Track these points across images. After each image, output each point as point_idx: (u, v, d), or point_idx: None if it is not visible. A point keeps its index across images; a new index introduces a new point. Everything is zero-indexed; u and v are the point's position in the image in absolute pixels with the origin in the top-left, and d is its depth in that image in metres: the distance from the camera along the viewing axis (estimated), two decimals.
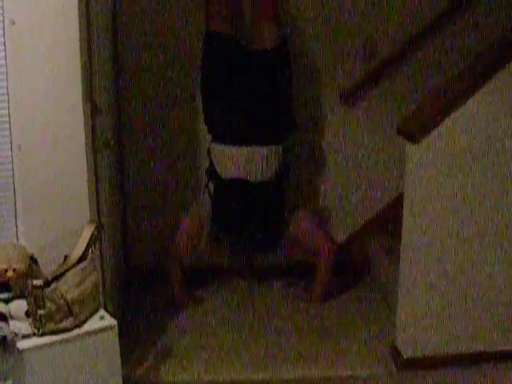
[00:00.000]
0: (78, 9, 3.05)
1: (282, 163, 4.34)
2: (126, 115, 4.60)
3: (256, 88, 4.24)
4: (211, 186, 4.40)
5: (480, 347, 3.76)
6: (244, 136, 4.23)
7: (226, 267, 4.88)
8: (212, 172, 4.37)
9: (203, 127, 4.42)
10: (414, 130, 3.48)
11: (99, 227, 3.38)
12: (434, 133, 3.43)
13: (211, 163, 4.37)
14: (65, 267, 2.97)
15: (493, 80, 3.40)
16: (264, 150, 4.22)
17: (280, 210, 4.40)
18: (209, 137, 4.41)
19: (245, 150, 4.21)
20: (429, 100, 3.70)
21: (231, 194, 4.30)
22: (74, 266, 2.99)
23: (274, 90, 4.26)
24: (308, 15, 4.58)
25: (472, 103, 3.41)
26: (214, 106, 4.31)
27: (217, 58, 4.25)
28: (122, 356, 3.03)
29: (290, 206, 4.52)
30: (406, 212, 3.64)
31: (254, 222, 4.33)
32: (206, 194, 4.45)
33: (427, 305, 3.67)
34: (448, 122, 3.42)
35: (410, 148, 3.53)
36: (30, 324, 2.84)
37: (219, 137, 4.31)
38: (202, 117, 4.42)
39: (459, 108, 3.41)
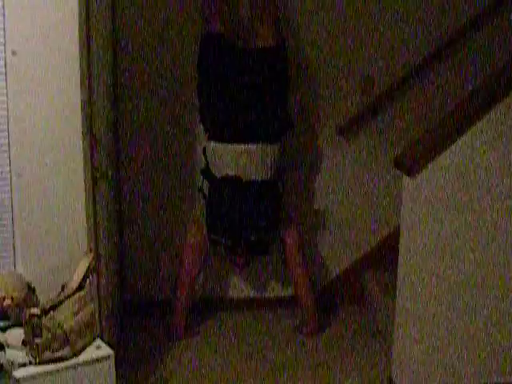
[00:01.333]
0: (79, 40, 3.08)
1: (279, 164, 4.33)
2: (123, 145, 4.61)
3: (252, 86, 4.24)
4: (205, 187, 4.40)
5: (479, 380, 3.75)
6: (239, 133, 4.22)
7: (223, 298, 4.89)
8: (206, 172, 4.37)
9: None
10: (411, 163, 3.49)
11: (97, 257, 3.38)
12: (431, 166, 3.45)
13: (207, 164, 4.37)
14: (62, 296, 2.97)
15: (490, 114, 3.43)
16: (260, 148, 4.20)
17: (275, 212, 4.36)
18: (205, 136, 4.40)
19: (240, 147, 4.19)
20: (426, 134, 3.72)
21: (225, 193, 4.27)
22: (71, 295, 2.99)
23: (270, 89, 4.26)
24: (307, 50, 4.62)
25: (469, 137, 3.43)
26: (210, 104, 4.30)
27: (214, 58, 4.25)
28: None
29: (286, 222, 4.52)
30: (402, 246, 3.65)
31: (248, 223, 4.30)
32: (201, 197, 4.46)
33: (423, 339, 3.66)
34: (445, 155, 3.44)
35: (406, 181, 3.55)
36: (26, 353, 2.83)
37: (215, 135, 4.29)
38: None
39: (456, 142, 3.43)
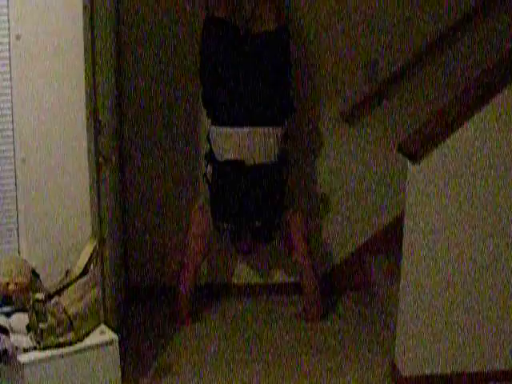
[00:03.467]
0: (83, 23, 3.07)
1: (282, 148, 4.32)
2: (128, 132, 4.61)
3: (255, 70, 4.23)
4: (209, 172, 4.40)
5: (480, 366, 3.75)
6: (242, 117, 4.20)
7: (226, 283, 4.90)
8: (210, 156, 4.36)
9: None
10: (416, 149, 3.48)
11: (101, 242, 3.39)
12: (436, 152, 3.44)
13: (210, 148, 4.37)
14: (66, 281, 2.98)
15: (495, 99, 3.42)
16: (263, 131, 4.19)
17: (280, 197, 4.36)
18: (208, 121, 4.40)
19: (243, 130, 4.18)
20: (430, 120, 3.71)
21: (229, 177, 4.27)
22: (75, 280, 3.00)
23: (273, 72, 4.24)
24: (311, 36, 4.61)
25: (474, 123, 3.43)
26: (213, 88, 4.28)
27: (216, 42, 4.24)
28: (121, 371, 3.03)
29: (290, 209, 4.51)
30: (405, 231, 3.65)
31: (252, 209, 4.29)
32: (204, 182, 4.46)
33: (427, 323, 3.67)
34: (449, 141, 3.43)
35: (411, 167, 3.54)
36: (30, 338, 2.85)
37: (218, 119, 4.27)
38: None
39: (461, 127, 3.42)
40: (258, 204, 4.28)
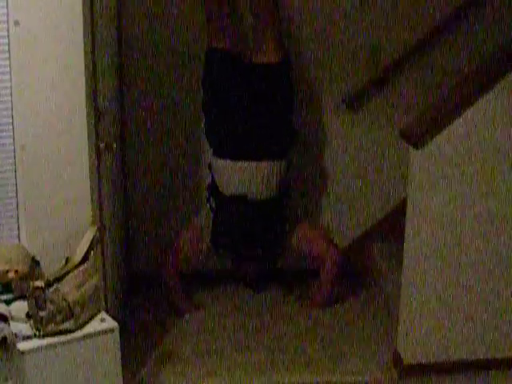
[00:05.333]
0: (83, 9, 3.05)
1: (284, 180, 4.32)
2: (129, 119, 4.59)
3: (257, 102, 4.22)
4: (212, 202, 4.39)
5: (483, 354, 3.75)
6: (245, 151, 4.20)
7: (226, 272, 4.89)
8: (213, 188, 4.36)
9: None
10: (418, 135, 3.46)
11: (101, 229, 3.38)
12: (438, 138, 3.42)
13: (212, 178, 4.36)
14: (66, 269, 2.96)
15: (498, 85, 3.40)
16: (266, 165, 4.18)
17: (281, 226, 4.37)
18: (210, 151, 4.39)
19: (246, 164, 4.18)
20: (433, 106, 3.69)
21: (232, 210, 4.27)
22: (75, 267, 2.98)
23: (276, 105, 4.25)
24: (312, 22, 4.58)
25: (476, 109, 3.41)
26: (215, 120, 4.30)
27: (218, 74, 4.24)
28: (122, 359, 3.02)
29: (292, 216, 4.51)
30: (408, 218, 3.63)
31: (254, 239, 4.32)
32: (208, 210, 4.43)
33: (430, 311, 3.66)
34: (452, 128, 3.41)
35: (413, 153, 3.52)
36: (30, 325, 2.83)
37: (220, 151, 4.28)
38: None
39: (463, 113, 3.40)
40: (260, 235, 4.32)
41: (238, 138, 4.22)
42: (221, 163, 4.25)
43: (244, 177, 4.18)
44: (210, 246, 4.40)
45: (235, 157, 4.20)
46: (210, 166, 4.39)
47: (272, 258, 4.51)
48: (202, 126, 4.42)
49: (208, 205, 4.43)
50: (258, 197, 4.22)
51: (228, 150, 4.24)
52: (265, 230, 4.32)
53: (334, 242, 4.70)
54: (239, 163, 4.18)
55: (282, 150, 4.29)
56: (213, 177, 4.37)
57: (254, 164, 4.17)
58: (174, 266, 4.43)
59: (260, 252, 4.38)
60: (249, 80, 4.26)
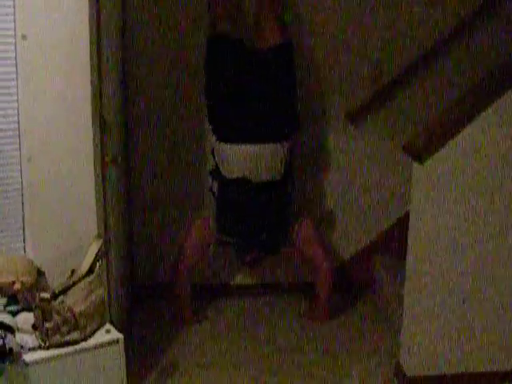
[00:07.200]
0: (89, 24, 3.08)
1: (287, 163, 4.30)
2: (133, 131, 4.61)
3: (260, 86, 4.22)
4: (215, 188, 4.38)
5: (485, 367, 3.75)
6: (248, 134, 4.19)
7: (231, 284, 4.90)
8: (216, 173, 4.35)
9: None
10: (421, 149, 3.48)
11: (106, 242, 3.39)
12: (441, 152, 3.44)
13: (216, 164, 4.36)
14: (72, 281, 2.98)
15: (501, 100, 3.42)
16: (269, 148, 4.18)
17: (285, 211, 4.36)
18: (213, 137, 4.38)
19: (249, 147, 4.16)
20: (436, 120, 3.71)
21: (235, 194, 4.26)
22: (81, 279, 3.00)
23: (279, 87, 4.24)
24: (316, 36, 4.61)
25: (479, 123, 3.42)
26: (218, 105, 4.28)
27: (221, 59, 4.23)
28: (127, 370, 3.04)
29: (296, 210, 4.52)
30: (411, 231, 3.65)
31: (258, 224, 4.29)
32: (211, 197, 4.43)
33: (432, 323, 3.67)
34: (454, 142, 3.43)
35: (416, 167, 3.54)
36: (36, 337, 2.84)
37: (224, 136, 4.26)
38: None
39: (467, 128, 3.42)
40: (263, 219, 4.30)
41: (242, 120, 4.21)
42: (225, 147, 4.22)
43: (248, 159, 4.17)
44: (217, 238, 4.41)
45: (239, 140, 4.19)
46: (212, 152, 4.39)
47: (275, 244, 4.48)
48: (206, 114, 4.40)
49: (210, 193, 4.44)
50: (264, 178, 4.21)
51: (232, 133, 4.23)
52: (269, 213, 4.30)
53: (336, 253, 4.72)
54: (243, 146, 4.17)
55: (285, 134, 4.29)
56: (216, 163, 4.36)
57: (257, 147, 4.17)
58: (186, 265, 4.44)
59: (264, 237, 4.37)
60: (251, 64, 4.26)
